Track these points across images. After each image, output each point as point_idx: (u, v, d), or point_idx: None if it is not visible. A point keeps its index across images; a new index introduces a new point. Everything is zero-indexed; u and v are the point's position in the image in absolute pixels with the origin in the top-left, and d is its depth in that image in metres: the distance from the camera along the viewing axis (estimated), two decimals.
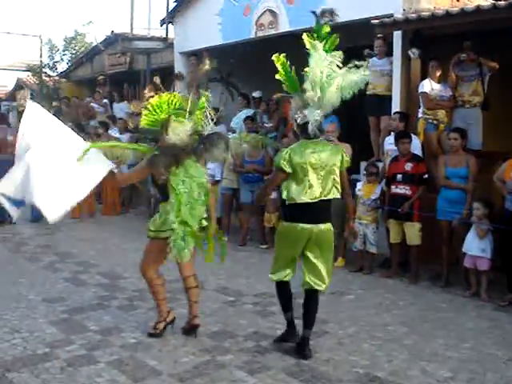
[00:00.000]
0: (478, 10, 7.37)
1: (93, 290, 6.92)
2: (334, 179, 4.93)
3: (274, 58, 5.09)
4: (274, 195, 9.14)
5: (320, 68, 4.86)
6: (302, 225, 4.85)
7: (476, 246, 6.67)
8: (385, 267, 7.94)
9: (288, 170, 4.82)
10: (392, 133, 8.16)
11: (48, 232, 10.56)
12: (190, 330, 5.39)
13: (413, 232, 7.28)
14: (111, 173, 5.08)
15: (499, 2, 7.50)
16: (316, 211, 4.87)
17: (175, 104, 5.19)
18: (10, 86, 26.42)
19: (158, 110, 5.14)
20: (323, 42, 4.99)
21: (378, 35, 8.78)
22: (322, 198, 4.87)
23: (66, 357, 4.86)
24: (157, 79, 15.94)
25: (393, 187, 7.45)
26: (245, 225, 9.72)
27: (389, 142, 8.06)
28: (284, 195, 4.91)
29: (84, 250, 9.11)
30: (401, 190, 7.36)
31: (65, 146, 5.03)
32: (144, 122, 5.24)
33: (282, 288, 5.16)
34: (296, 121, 5.00)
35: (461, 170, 7.06)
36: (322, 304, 5.80)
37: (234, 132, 11.23)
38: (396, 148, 7.59)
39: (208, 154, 5.17)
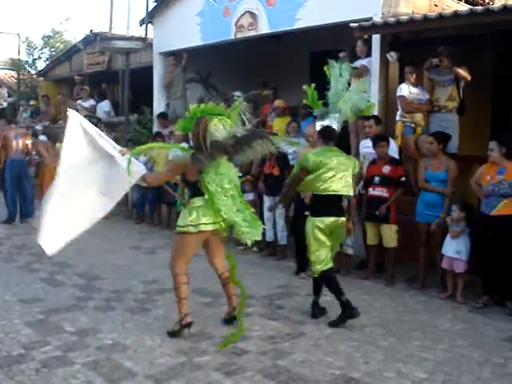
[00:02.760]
0: (456, 14, 7.45)
1: (69, 290, 6.87)
2: (348, 180, 5.93)
3: (304, 88, 6.53)
4: (251, 197, 9.16)
5: (338, 88, 6.13)
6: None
7: (452, 248, 6.73)
8: (361, 269, 7.98)
9: (310, 167, 5.83)
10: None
11: (24, 232, 10.47)
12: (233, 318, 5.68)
13: (389, 234, 7.34)
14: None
15: (476, 8, 7.59)
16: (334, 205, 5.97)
17: (210, 109, 5.38)
18: None
19: (193, 116, 5.41)
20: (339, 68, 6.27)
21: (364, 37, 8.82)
22: (339, 193, 5.92)
23: (42, 358, 4.82)
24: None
25: (370, 189, 7.50)
26: None
27: (365, 146, 8.08)
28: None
29: (61, 250, 9.01)
30: (378, 192, 7.40)
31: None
32: (179, 126, 5.77)
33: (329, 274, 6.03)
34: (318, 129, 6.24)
35: (440, 173, 7.11)
36: (299, 306, 5.86)
37: None
38: (373, 151, 7.64)
39: (242, 153, 5.37)
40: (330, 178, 5.82)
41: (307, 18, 9.73)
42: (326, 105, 6.32)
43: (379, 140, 7.54)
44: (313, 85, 6.46)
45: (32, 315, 5.94)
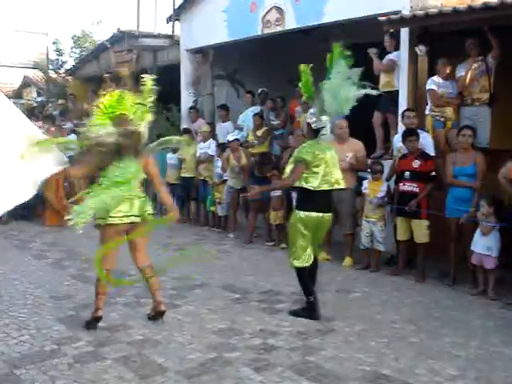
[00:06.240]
0: (486, 6, 7.33)
1: None
2: (338, 172, 5.88)
3: (301, 67, 5.93)
4: (278, 193, 9.15)
5: (338, 82, 5.65)
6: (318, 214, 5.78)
7: (482, 244, 6.65)
8: (391, 265, 7.93)
9: (310, 160, 5.65)
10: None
11: (54, 230, 10.59)
12: (156, 316, 5.70)
13: (420, 230, 7.27)
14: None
15: None
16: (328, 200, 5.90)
17: (128, 101, 5.45)
18: (16, 84, 26.45)
19: (109, 109, 5.40)
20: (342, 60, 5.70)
21: (390, 31, 8.74)
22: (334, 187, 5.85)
23: (74, 353, 4.87)
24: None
25: (401, 185, 7.44)
26: (252, 222, 9.70)
27: (399, 140, 8.01)
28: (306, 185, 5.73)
29: (91, 247, 9.01)
30: (408, 187, 7.34)
31: (15, 139, 5.03)
32: (95, 120, 5.46)
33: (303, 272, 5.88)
34: (310, 124, 5.85)
35: (468, 167, 7.04)
36: (329, 301, 5.83)
37: (241, 129, 11.25)
38: None
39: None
40: (325, 171, 5.74)
41: (334, 12, 9.67)
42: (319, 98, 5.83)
43: (409, 134, 7.47)
44: (310, 65, 5.96)
45: (63, 311, 6.00)
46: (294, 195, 8.58)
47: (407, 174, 7.37)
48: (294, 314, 5.92)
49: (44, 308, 6.10)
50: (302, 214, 5.75)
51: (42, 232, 10.36)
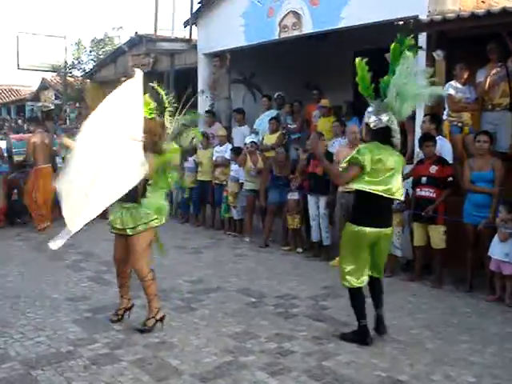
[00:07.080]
0: (504, 11, 7.29)
1: (116, 289, 6.88)
2: (399, 182, 5.25)
3: (356, 61, 5.21)
4: (295, 196, 9.13)
5: (404, 78, 5.03)
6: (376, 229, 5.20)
7: (499, 251, 6.61)
8: (407, 270, 7.89)
9: (367, 166, 5.02)
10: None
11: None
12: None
13: (437, 235, 7.23)
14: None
15: None
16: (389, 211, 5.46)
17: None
18: (34, 87, 26.72)
19: None
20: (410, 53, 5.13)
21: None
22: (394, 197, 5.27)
23: (90, 355, 4.90)
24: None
25: (417, 190, 7.41)
26: (268, 226, 9.69)
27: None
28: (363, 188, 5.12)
29: (108, 249, 9.03)
30: (425, 192, 7.32)
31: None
32: None
33: (359, 293, 5.37)
34: (369, 125, 5.23)
35: (486, 173, 7.00)
36: (344, 307, 5.82)
37: (256, 133, 11.25)
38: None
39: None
40: (387, 178, 5.11)
41: (352, 16, 9.64)
42: (377, 92, 5.21)
43: (426, 140, 7.45)
44: (365, 59, 5.20)
45: (79, 313, 6.04)
46: (319, 203, 8.64)
47: (424, 179, 7.34)
48: (343, 337, 5.38)
49: (60, 309, 6.14)
50: (358, 229, 5.16)
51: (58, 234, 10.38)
